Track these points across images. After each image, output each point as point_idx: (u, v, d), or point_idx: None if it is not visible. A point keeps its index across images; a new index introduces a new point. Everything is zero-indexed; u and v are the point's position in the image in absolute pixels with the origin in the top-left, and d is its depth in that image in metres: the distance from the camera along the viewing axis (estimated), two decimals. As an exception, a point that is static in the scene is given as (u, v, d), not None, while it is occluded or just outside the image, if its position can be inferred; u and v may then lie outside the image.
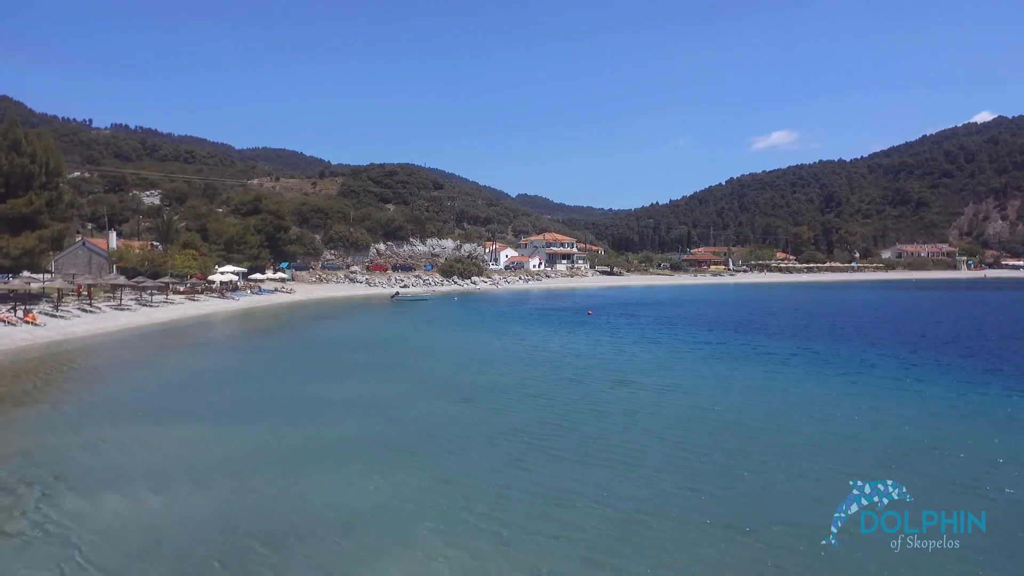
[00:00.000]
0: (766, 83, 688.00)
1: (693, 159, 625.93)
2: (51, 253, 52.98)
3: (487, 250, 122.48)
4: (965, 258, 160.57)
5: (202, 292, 62.47)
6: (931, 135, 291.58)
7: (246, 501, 10.89)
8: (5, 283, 41.56)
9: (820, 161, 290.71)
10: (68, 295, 48.03)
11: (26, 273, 49.88)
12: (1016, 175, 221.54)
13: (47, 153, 50.88)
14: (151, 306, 50.16)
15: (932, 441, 14.12)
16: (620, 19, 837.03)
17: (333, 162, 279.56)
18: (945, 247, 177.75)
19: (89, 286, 48.32)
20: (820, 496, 10.60)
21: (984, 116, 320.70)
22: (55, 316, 39.68)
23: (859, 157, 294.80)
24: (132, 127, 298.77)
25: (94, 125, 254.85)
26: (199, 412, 17.58)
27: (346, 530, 9.68)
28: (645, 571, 8.34)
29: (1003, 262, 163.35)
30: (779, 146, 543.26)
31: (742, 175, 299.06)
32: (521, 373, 23.56)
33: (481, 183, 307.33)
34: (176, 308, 51.49)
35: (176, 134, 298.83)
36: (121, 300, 49.18)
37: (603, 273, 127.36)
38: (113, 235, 65.10)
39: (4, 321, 35.59)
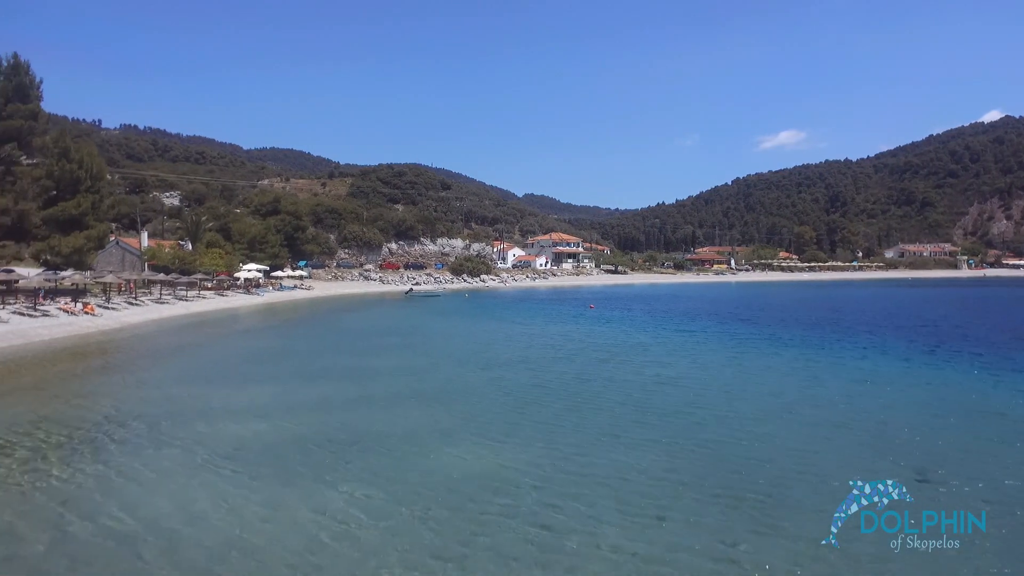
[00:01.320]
0: (774, 82, 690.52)
1: (700, 159, 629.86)
2: (94, 252, 57.76)
3: (495, 249, 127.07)
4: (966, 257, 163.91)
5: (228, 288, 67.28)
6: (937, 135, 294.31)
7: (326, 425, 15.44)
8: (64, 278, 46.27)
9: (826, 161, 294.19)
10: (107, 290, 52.75)
11: (70, 270, 54.69)
12: (1021, 175, 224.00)
13: (91, 159, 55.75)
14: (187, 300, 54.92)
15: (845, 396, 18.59)
16: (627, 18, 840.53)
17: (340, 162, 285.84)
18: (948, 247, 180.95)
19: (131, 281, 53.02)
20: (739, 427, 15.29)
21: (993, 115, 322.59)
22: (107, 308, 44.52)
23: (865, 157, 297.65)
24: (141, 127, 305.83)
25: (103, 126, 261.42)
26: (268, 377, 22.17)
27: (404, 439, 14.22)
28: (602, 464, 12.79)
29: (1004, 261, 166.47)
30: (786, 146, 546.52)
31: (748, 175, 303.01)
32: (525, 352, 28.07)
33: (488, 183, 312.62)
34: (209, 302, 56.24)
35: (184, 134, 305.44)
36: (161, 294, 53.98)
37: (608, 272, 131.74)
38: (145, 235, 69.90)
39: (67, 311, 40.40)
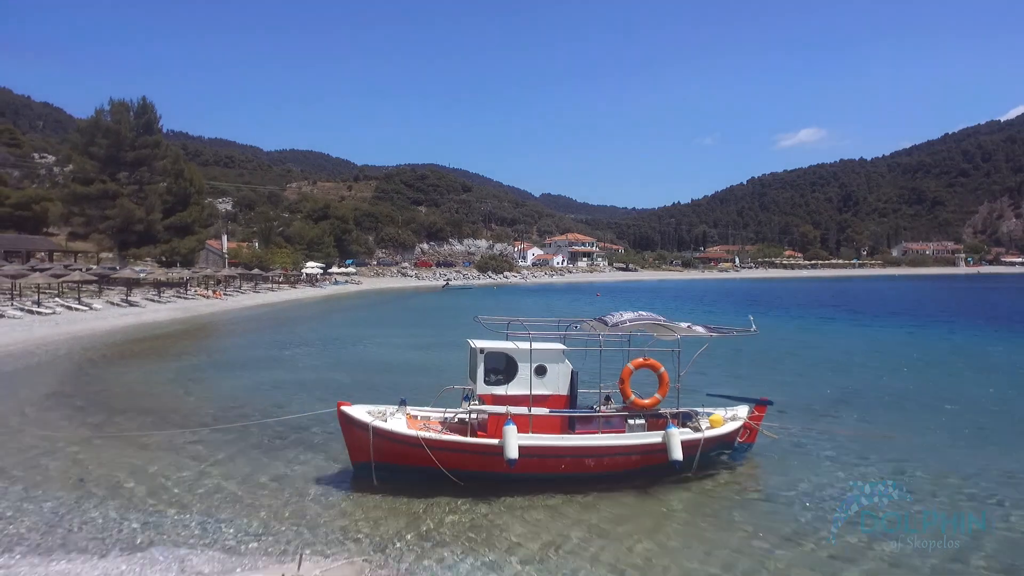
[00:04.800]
0: (794, 80, 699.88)
1: (719, 158, 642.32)
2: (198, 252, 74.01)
3: (516, 249, 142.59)
4: (964, 255, 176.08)
5: (296, 283, 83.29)
6: (953, 133, 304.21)
7: (438, 340, 30.83)
8: (193, 272, 62.32)
9: (841, 160, 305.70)
10: (221, 282, 68.65)
11: (162, 268, 70.48)
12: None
13: (196, 177, 72.09)
14: (272, 291, 70.83)
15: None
16: (646, 16, 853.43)
17: (359, 163, 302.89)
18: (951, 245, 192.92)
19: (239, 276, 68.99)
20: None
21: (1018, 111, 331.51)
22: (226, 295, 60.49)
23: (880, 156, 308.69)
24: (165, 131, 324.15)
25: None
26: (385, 326, 37.70)
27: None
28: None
29: (1002, 259, 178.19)
30: (806, 144, 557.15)
31: (763, 175, 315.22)
32: (538, 313, 43.39)
33: (505, 183, 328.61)
34: (287, 293, 72.06)
35: (206, 136, 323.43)
36: (256, 285, 70.03)
37: (619, 269, 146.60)
38: (225, 238, 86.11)
39: (203, 296, 56.38)
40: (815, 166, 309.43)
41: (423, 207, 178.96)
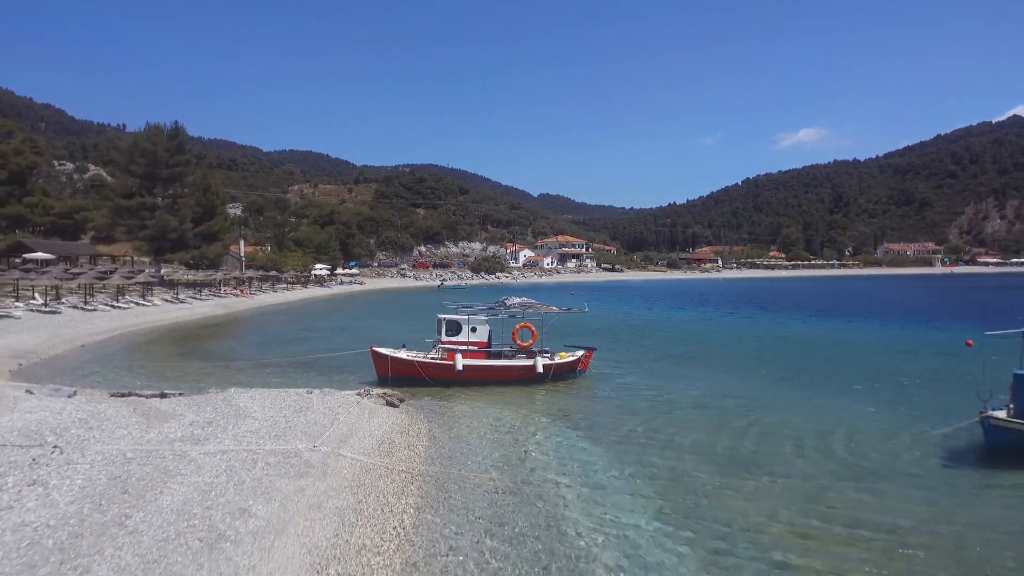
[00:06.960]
0: (796, 79, 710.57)
1: (720, 157, 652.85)
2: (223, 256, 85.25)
3: (508, 251, 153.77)
4: (940, 256, 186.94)
5: (307, 283, 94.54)
6: (945, 134, 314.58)
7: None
8: (224, 274, 73.54)
9: (835, 161, 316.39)
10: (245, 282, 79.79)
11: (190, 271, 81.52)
12: (1016, 176, 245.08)
13: (220, 190, 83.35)
14: (288, 291, 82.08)
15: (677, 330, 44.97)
16: (650, 17, 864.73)
17: (358, 163, 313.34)
18: (931, 246, 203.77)
19: (259, 278, 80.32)
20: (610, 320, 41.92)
21: (1013, 111, 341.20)
22: (251, 294, 71.73)
23: (872, 157, 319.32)
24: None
25: (128, 130, 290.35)
26: (391, 318, 48.86)
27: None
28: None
29: (978, 259, 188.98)
30: (807, 144, 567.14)
31: (758, 175, 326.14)
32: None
33: (504, 183, 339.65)
34: (300, 292, 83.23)
35: (206, 137, 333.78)
36: (274, 286, 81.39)
37: (606, 270, 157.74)
38: (242, 243, 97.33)
39: (234, 295, 67.64)
40: (809, 167, 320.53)
41: (421, 210, 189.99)
